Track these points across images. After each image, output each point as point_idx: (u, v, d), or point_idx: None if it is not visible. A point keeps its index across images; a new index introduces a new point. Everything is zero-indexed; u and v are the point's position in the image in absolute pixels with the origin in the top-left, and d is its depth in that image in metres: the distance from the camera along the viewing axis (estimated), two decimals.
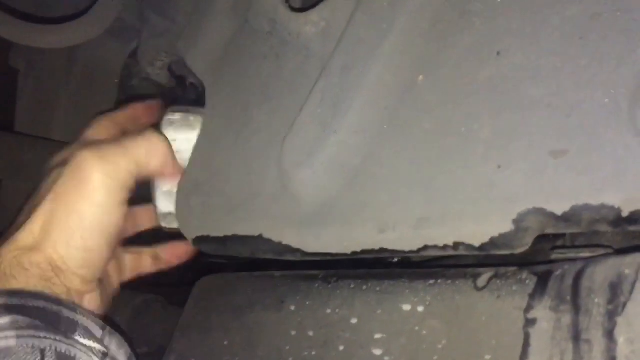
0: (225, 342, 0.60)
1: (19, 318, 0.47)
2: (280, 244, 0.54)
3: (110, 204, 0.56)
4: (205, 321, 0.64)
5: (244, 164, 0.60)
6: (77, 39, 0.74)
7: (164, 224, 0.67)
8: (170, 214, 0.65)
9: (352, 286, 0.55)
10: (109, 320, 0.57)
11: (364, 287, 0.54)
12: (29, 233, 0.55)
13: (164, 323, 0.88)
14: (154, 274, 0.73)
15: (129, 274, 0.68)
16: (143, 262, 0.70)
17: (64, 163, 0.59)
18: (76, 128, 0.93)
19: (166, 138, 0.62)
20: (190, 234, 0.61)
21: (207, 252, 0.61)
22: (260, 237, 0.55)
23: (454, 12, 0.50)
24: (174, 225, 0.66)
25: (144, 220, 0.70)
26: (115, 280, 0.66)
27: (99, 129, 0.65)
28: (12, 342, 0.46)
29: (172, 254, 0.71)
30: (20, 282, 0.52)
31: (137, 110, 0.70)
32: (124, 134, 0.65)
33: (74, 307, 0.52)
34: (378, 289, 0.53)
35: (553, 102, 0.43)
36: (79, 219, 0.55)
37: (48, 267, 0.54)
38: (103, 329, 0.53)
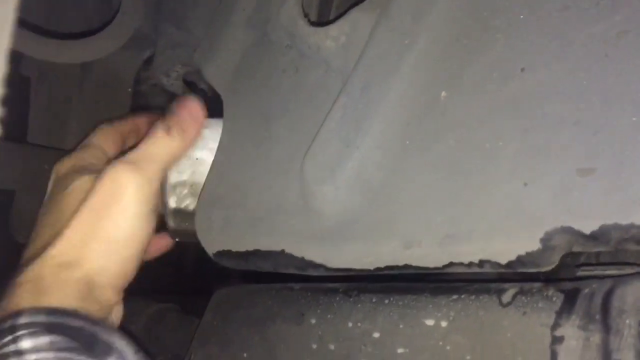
0: (245, 355, 0.61)
1: (58, 338, 0.48)
2: (303, 259, 0.54)
3: (144, 214, 0.58)
4: (223, 333, 0.64)
5: (264, 178, 0.60)
6: (97, 54, 0.74)
7: (172, 224, 0.67)
8: (179, 210, 0.65)
9: (374, 300, 0.55)
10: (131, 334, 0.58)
11: (386, 301, 0.54)
12: (65, 248, 0.55)
13: (179, 332, 0.88)
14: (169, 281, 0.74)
15: None
16: None
17: (80, 172, 0.60)
18: None
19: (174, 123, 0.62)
20: (211, 248, 0.61)
21: (228, 266, 0.61)
22: (282, 252, 0.55)
23: (477, 28, 0.50)
24: (188, 239, 0.66)
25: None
26: None
27: (104, 136, 0.66)
28: None
29: (153, 247, 0.72)
30: (57, 298, 0.53)
31: (138, 123, 0.71)
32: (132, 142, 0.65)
33: (110, 328, 0.53)
34: (400, 303, 0.53)
35: (580, 120, 0.43)
36: (117, 230, 0.56)
37: (85, 283, 0.55)
38: (136, 352, 0.53)
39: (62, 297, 0.53)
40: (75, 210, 0.57)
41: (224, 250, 0.60)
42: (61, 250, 0.55)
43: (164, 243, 0.72)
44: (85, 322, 0.51)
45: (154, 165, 0.59)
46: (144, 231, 0.58)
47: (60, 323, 0.50)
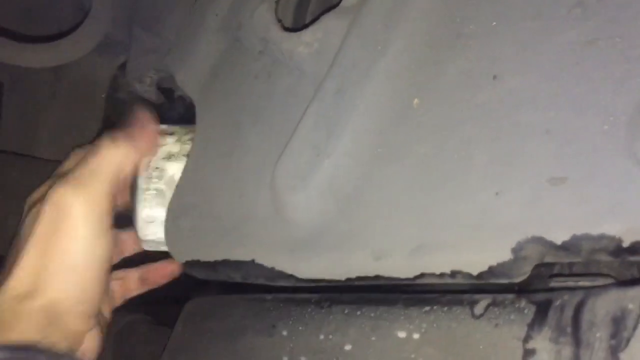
0: None
1: None
2: (272, 269, 0.53)
3: (96, 233, 0.55)
4: (194, 345, 0.63)
5: (235, 187, 0.59)
6: (64, 58, 0.72)
7: (147, 248, 0.65)
8: (153, 241, 0.64)
9: (346, 312, 0.54)
10: None
11: (358, 313, 0.53)
12: (21, 278, 0.53)
13: (151, 344, 0.86)
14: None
15: (117, 301, 0.67)
16: (130, 285, 0.68)
17: (40, 201, 0.58)
18: (62, 145, 0.91)
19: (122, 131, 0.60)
20: (180, 257, 0.60)
21: (197, 276, 0.59)
22: (252, 262, 0.54)
23: (450, 35, 0.50)
24: (160, 248, 0.64)
25: (128, 246, 0.68)
26: (107, 311, 0.64)
27: (75, 159, 0.64)
28: None
29: (159, 274, 0.70)
30: (18, 332, 0.51)
31: None
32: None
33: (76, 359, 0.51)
34: (372, 315, 0.52)
35: (551, 129, 0.42)
36: (69, 253, 0.54)
37: (45, 313, 0.53)
38: None
39: (23, 330, 0.51)
40: (25, 241, 0.55)
41: (193, 260, 0.59)
42: (18, 281, 0.53)
43: (170, 270, 0.70)
44: (48, 356, 0.50)
45: (98, 180, 0.56)
46: (101, 250, 0.55)
47: (21, 359, 0.48)
